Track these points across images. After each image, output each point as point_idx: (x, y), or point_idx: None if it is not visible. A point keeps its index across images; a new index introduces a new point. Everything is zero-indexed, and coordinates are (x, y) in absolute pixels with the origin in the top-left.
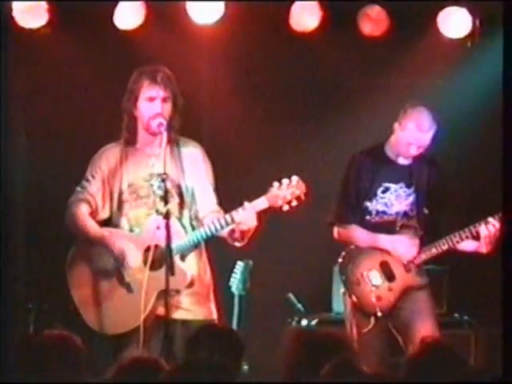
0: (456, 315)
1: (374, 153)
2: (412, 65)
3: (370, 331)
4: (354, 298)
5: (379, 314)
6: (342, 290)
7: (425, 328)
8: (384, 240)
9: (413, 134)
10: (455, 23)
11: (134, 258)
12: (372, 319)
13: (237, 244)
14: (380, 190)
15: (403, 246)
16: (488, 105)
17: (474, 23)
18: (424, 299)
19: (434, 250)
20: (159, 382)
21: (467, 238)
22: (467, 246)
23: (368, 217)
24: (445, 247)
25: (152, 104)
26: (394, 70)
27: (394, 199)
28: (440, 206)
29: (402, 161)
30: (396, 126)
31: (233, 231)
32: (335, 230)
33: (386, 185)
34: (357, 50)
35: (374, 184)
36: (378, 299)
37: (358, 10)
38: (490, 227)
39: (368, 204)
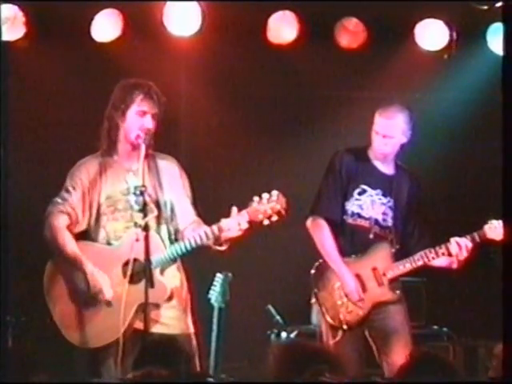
0: (435, 327)
1: (357, 152)
2: (389, 77)
3: (342, 341)
4: (324, 310)
5: (345, 326)
6: (313, 300)
7: (399, 342)
8: (338, 267)
9: (377, 121)
10: (432, 35)
11: (107, 287)
12: (339, 331)
13: (219, 248)
14: (357, 191)
15: (350, 284)
16: (467, 117)
17: (450, 35)
18: (398, 313)
19: (408, 265)
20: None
21: (443, 254)
22: (440, 261)
23: (345, 216)
24: (420, 263)
25: (143, 118)
26: (371, 82)
27: (369, 204)
28: (417, 222)
29: (383, 169)
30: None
31: (217, 238)
32: (309, 219)
33: (363, 187)
34: (334, 62)
35: (351, 183)
36: (346, 311)
37: (336, 23)
38: (462, 245)
39: (346, 203)
